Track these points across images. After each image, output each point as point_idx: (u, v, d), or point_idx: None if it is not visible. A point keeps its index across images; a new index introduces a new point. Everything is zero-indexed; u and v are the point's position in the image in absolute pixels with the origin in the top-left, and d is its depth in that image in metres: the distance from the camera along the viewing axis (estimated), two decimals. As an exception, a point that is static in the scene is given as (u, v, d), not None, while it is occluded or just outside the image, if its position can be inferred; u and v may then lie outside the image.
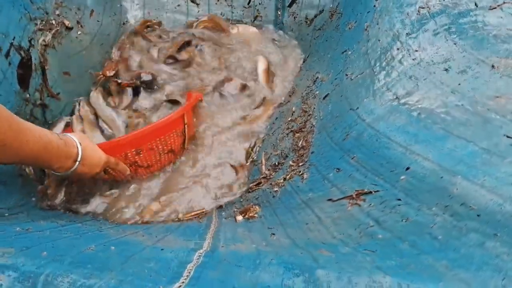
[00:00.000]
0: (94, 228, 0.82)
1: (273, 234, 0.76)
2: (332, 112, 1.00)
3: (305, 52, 1.58)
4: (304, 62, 1.55)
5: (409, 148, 0.70)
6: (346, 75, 1.02)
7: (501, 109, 0.65)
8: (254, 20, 1.69)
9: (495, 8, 0.83)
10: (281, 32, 1.68)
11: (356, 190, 0.74)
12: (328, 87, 1.10)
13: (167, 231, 0.84)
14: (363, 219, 0.70)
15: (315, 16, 1.58)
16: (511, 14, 0.80)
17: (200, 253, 0.59)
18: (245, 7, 1.68)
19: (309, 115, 1.11)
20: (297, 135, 1.09)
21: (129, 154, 1.06)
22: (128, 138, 1.04)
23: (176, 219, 1.10)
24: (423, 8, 0.92)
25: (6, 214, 0.91)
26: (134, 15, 1.67)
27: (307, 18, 1.61)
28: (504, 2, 0.83)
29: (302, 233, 0.74)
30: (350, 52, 1.08)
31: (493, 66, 0.73)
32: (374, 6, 1.06)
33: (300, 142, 1.06)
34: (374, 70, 0.94)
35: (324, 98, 1.08)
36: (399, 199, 0.66)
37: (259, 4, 1.68)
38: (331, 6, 1.49)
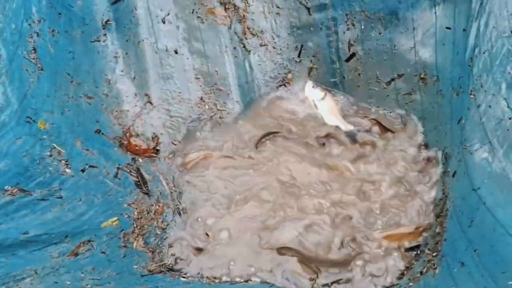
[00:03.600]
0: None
1: None
2: (460, 193, 0.91)
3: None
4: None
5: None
6: (465, 147, 0.91)
7: None
8: (309, 74, 1.58)
9: None
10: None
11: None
12: (454, 163, 0.99)
13: None
14: None
15: (393, 79, 1.43)
16: None
17: None
18: (296, 61, 1.56)
19: (446, 196, 1.02)
20: (438, 220, 1.01)
21: None
22: None
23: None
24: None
25: (88, 286, 0.95)
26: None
27: (378, 79, 1.46)
28: None
29: None
30: (464, 121, 0.95)
31: None
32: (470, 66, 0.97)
33: (437, 228, 0.99)
34: (492, 144, 0.83)
35: (453, 176, 0.98)
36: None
37: (313, 56, 1.54)
38: (414, 69, 1.37)
